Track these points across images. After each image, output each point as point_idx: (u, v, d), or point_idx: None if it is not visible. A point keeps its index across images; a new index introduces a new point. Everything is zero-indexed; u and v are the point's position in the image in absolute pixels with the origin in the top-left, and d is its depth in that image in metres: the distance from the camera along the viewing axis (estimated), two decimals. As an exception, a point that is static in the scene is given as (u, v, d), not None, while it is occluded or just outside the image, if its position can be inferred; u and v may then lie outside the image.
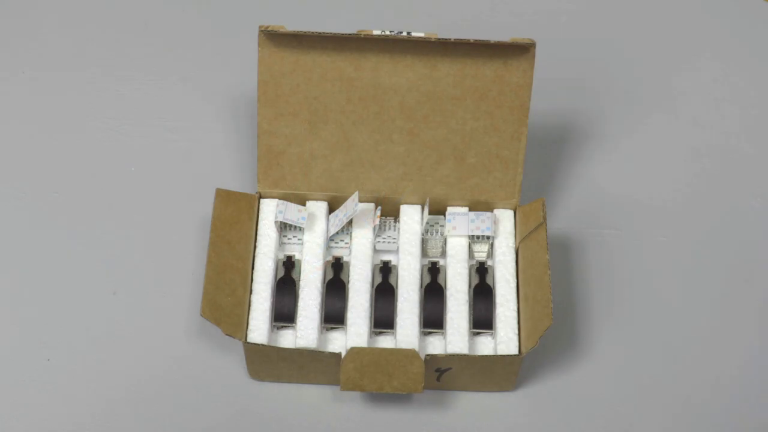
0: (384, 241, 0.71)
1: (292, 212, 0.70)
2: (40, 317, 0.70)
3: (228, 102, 0.80)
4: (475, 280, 0.69)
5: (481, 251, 0.70)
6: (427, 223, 0.71)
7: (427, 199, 0.71)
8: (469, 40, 0.66)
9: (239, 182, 0.75)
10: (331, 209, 0.72)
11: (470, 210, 0.71)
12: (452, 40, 0.66)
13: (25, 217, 0.74)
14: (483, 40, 0.66)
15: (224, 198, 0.69)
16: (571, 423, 0.67)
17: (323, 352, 0.64)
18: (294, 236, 0.71)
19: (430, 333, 0.68)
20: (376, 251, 0.71)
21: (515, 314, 0.67)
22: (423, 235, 0.71)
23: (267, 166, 0.71)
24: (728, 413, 0.67)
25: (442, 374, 0.65)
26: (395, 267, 0.70)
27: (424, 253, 0.71)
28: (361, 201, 0.70)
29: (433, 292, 0.68)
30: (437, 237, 0.71)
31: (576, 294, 0.71)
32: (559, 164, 0.77)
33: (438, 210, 0.71)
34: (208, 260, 0.66)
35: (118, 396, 0.67)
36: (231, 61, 0.82)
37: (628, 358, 0.69)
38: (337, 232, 0.71)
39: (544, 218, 0.67)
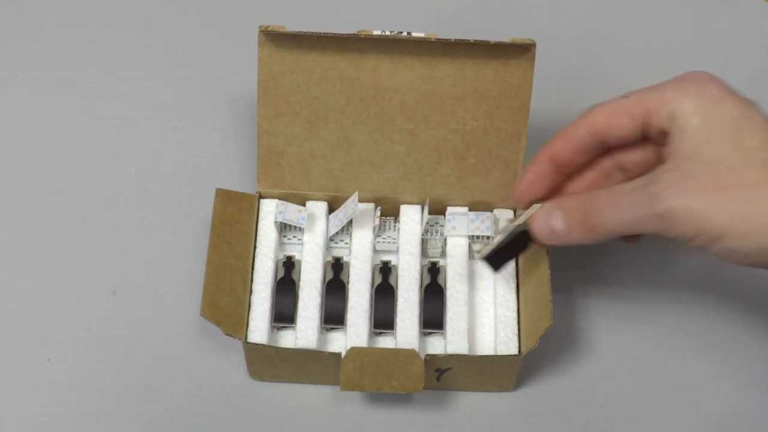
0: (384, 242, 0.71)
1: (292, 212, 0.70)
2: (40, 317, 0.70)
3: (228, 102, 0.80)
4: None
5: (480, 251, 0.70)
6: (427, 223, 0.71)
7: (427, 200, 0.71)
8: (469, 40, 0.66)
9: (239, 182, 0.75)
10: (331, 209, 0.72)
11: (470, 210, 0.71)
12: (452, 40, 0.66)
13: (25, 217, 0.74)
14: (483, 41, 0.66)
15: (224, 198, 0.69)
16: (571, 423, 0.67)
17: (323, 352, 0.64)
18: (294, 236, 0.71)
19: (430, 333, 0.68)
20: (376, 251, 0.71)
21: (515, 314, 0.67)
22: (423, 235, 0.71)
23: (267, 166, 0.71)
24: (730, 413, 0.67)
25: (442, 374, 0.65)
26: (395, 267, 0.70)
27: (424, 253, 0.71)
28: (361, 201, 0.70)
29: (433, 293, 0.68)
30: (437, 237, 0.71)
31: (576, 293, 0.71)
32: (559, 164, 0.77)
33: (438, 210, 0.71)
34: (208, 260, 0.66)
35: (118, 396, 0.67)
36: (231, 61, 0.82)
37: (629, 358, 0.69)
38: (337, 233, 0.71)
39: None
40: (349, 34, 0.67)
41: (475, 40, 0.66)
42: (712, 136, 0.56)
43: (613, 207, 0.59)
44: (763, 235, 0.54)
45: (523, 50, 0.67)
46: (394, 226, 0.72)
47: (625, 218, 0.58)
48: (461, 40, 0.66)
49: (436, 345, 0.68)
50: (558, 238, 0.62)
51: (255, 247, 0.70)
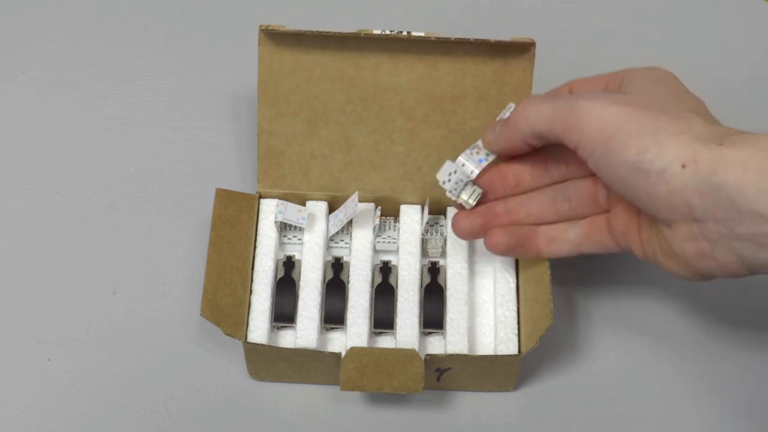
0: (384, 241, 0.71)
1: (292, 212, 0.70)
2: (40, 317, 0.70)
3: (228, 102, 0.80)
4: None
5: (480, 251, 0.70)
6: (427, 223, 0.71)
7: (427, 199, 0.71)
8: (469, 39, 0.66)
9: (239, 182, 0.76)
10: (331, 209, 0.72)
11: (470, 210, 0.71)
12: (452, 39, 0.66)
13: (25, 217, 0.74)
14: (483, 39, 0.66)
15: (224, 198, 0.69)
16: (571, 423, 0.67)
17: (323, 352, 0.64)
18: (294, 236, 0.71)
19: (430, 333, 0.68)
20: (376, 251, 0.71)
21: (515, 314, 0.67)
22: (423, 235, 0.71)
23: (267, 165, 0.71)
24: (730, 413, 0.67)
25: (442, 374, 0.65)
26: (395, 267, 0.70)
27: (424, 253, 0.71)
28: (361, 201, 0.70)
29: (433, 292, 0.68)
30: (437, 237, 0.71)
31: (576, 293, 0.71)
32: (559, 164, 0.77)
33: (438, 210, 0.71)
34: (208, 260, 0.66)
35: (118, 396, 0.67)
36: (231, 61, 0.82)
37: (629, 358, 0.69)
38: (337, 232, 0.71)
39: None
40: (350, 33, 0.67)
41: (475, 39, 0.66)
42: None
43: (534, 106, 0.61)
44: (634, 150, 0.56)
45: (522, 49, 0.67)
46: (394, 226, 0.72)
47: (544, 114, 0.61)
48: (461, 38, 0.66)
49: (436, 345, 0.68)
50: (492, 142, 0.65)
51: (255, 247, 0.70)
